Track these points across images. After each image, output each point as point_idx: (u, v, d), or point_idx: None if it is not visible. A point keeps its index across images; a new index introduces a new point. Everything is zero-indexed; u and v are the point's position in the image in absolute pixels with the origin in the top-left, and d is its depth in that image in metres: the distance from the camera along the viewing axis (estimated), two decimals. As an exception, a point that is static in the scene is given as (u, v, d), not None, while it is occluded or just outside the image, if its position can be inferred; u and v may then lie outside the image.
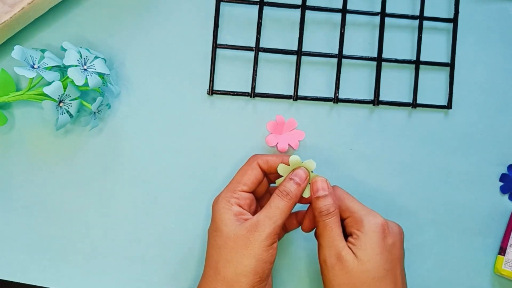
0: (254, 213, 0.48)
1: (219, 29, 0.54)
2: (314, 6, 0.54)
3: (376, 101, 0.55)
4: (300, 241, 0.55)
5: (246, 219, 0.46)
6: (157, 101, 0.53)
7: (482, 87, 0.57)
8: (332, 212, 0.46)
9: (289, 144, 0.54)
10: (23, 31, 0.51)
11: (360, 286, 0.44)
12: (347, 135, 0.55)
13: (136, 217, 0.53)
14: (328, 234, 0.46)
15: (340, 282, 0.45)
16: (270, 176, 0.50)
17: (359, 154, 0.55)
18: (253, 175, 0.48)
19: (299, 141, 0.54)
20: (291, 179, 0.47)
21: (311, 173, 0.48)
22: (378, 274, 0.45)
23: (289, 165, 0.48)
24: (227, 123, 0.54)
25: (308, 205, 0.50)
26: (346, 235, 0.47)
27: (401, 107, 0.56)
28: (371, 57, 0.55)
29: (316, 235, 0.49)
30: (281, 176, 0.49)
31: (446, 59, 0.57)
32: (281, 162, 0.48)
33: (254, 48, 0.54)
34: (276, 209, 0.46)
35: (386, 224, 0.46)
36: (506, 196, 0.57)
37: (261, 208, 0.49)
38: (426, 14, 0.56)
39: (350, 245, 0.46)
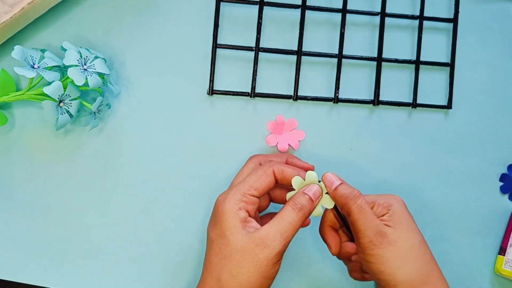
0: (256, 218, 0.47)
1: (219, 29, 0.54)
2: (314, 6, 0.54)
3: (376, 101, 0.55)
4: (300, 241, 0.55)
5: (251, 227, 0.45)
6: (157, 101, 0.53)
7: (482, 87, 0.57)
8: (358, 193, 0.46)
9: (289, 144, 0.54)
10: (23, 31, 0.51)
11: (411, 250, 0.46)
12: (347, 135, 0.55)
13: (136, 217, 0.53)
14: (365, 215, 0.45)
15: (392, 254, 0.45)
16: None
17: (359, 154, 0.55)
18: (266, 182, 0.46)
19: (299, 141, 0.54)
20: (305, 193, 0.46)
21: (324, 194, 0.47)
22: (419, 238, 0.47)
23: (304, 180, 0.47)
24: (227, 123, 0.54)
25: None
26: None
27: (401, 107, 0.56)
28: (371, 57, 0.55)
29: (348, 222, 0.48)
30: (293, 190, 0.47)
31: (446, 59, 0.57)
32: (297, 175, 0.47)
33: (254, 48, 0.54)
34: (288, 223, 0.45)
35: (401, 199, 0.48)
36: (506, 196, 0.57)
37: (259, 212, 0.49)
38: (426, 14, 0.56)
39: (386, 223, 0.46)
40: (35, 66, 0.47)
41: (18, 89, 0.50)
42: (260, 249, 0.43)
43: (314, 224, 0.53)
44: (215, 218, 0.46)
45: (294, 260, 0.55)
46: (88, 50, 0.49)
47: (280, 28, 0.55)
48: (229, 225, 0.44)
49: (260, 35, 0.54)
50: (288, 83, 0.55)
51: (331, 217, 0.49)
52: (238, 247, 0.44)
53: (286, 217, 0.45)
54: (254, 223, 0.45)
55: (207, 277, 0.45)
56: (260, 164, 0.50)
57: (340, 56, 0.55)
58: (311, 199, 0.46)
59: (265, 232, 0.44)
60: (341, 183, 0.47)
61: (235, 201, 0.45)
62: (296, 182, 0.47)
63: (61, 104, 0.47)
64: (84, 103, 0.49)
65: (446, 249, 0.56)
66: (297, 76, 0.54)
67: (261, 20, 0.54)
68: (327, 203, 0.47)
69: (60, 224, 0.52)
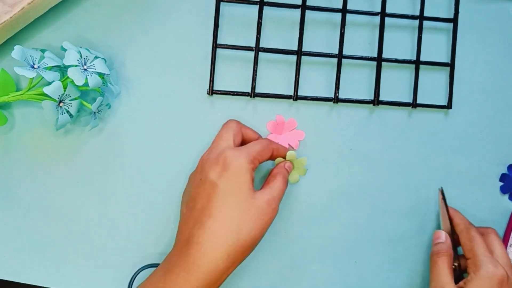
0: None
1: (219, 29, 0.54)
2: (314, 6, 0.54)
3: (376, 101, 0.55)
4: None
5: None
6: (157, 101, 0.53)
7: (482, 87, 0.57)
8: (442, 253, 0.51)
9: (289, 144, 0.54)
10: (23, 31, 0.51)
11: None
12: (347, 135, 0.55)
13: (136, 217, 0.53)
14: (436, 270, 0.50)
15: None
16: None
17: (359, 154, 0.55)
18: (267, 156, 0.50)
19: (299, 141, 0.54)
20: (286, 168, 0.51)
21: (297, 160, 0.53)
22: None
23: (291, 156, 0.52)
24: (227, 123, 0.54)
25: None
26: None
27: (401, 107, 0.56)
28: (371, 57, 0.55)
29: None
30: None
31: (446, 59, 0.57)
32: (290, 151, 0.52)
33: (254, 48, 0.54)
34: (281, 190, 0.49)
35: (506, 278, 0.47)
36: (506, 196, 0.57)
37: None
38: (426, 14, 0.56)
39: (462, 285, 0.48)
40: (35, 66, 0.47)
41: (18, 89, 0.50)
42: (270, 209, 0.46)
43: (319, 224, 0.54)
44: (226, 172, 0.46)
45: (293, 260, 0.55)
46: (88, 50, 0.49)
47: (280, 28, 0.55)
48: (247, 179, 0.46)
49: (260, 35, 0.54)
50: (288, 83, 0.55)
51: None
52: (257, 203, 0.46)
53: (281, 185, 0.49)
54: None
55: (220, 231, 0.44)
56: (242, 132, 0.52)
57: (340, 56, 0.55)
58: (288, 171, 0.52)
59: (272, 195, 0.47)
60: (440, 243, 0.52)
61: (249, 160, 0.47)
62: (290, 156, 0.52)
63: (61, 104, 0.47)
64: (84, 103, 0.49)
65: (446, 249, 0.56)
66: (297, 76, 0.54)
67: (261, 20, 0.54)
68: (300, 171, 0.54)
69: (60, 224, 0.52)
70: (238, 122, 0.52)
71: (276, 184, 0.48)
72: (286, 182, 0.50)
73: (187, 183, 0.51)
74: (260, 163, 0.49)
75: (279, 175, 0.50)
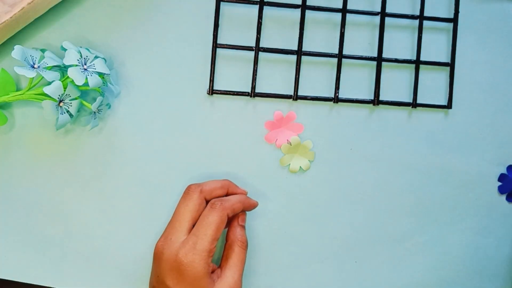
0: None
1: (219, 29, 0.54)
2: (314, 6, 0.54)
3: (376, 101, 0.55)
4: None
5: (214, 274, 0.47)
6: (157, 101, 0.53)
7: (482, 87, 0.57)
8: None
9: (287, 140, 0.54)
10: (23, 31, 0.51)
11: None
12: (347, 135, 0.55)
13: (136, 217, 0.53)
14: None
15: None
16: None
17: (359, 154, 0.55)
18: (223, 227, 0.48)
19: (298, 134, 0.54)
20: (242, 226, 0.50)
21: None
22: None
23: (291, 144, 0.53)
24: (227, 123, 0.54)
25: None
26: None
27: (401, 107, 0.56)
28: (371, 57, 0.55)
29: None
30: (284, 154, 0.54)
31: (446, 59, 0.57)
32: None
33: (254, 48, 0.54)
34: (241, 262, 0.48)
35: None
36: (504, 196, 0.57)
37: None
38: (426, 14, 0.56)
39: None
40: (35, 66, 0.47)
41: (18, 89, 0.50)
42: None
43: (319, 223, 0.54)
44: (182, 281, 0.46)
45: (294, 260, 0.55)
46: (88, 49, 0.49)
47: (280, 28, 0.55)
48: (204, 284, 0.46)
49: (260, 35, 0.54)
50: (288, 83, 0.55)
51: None
52: None
53: (240, 257, 0.48)
54: (214, 268, 0.48)
55: None
56: (206, 199, 0.50)
57: (340, 56, 0.55)
58: (244, 226, 0.51)
59: (233, 278, 0.47)
60: None
61: (205, 261, 0.46)
62: (294, 141, 0.54)
63: (61, 104, 0.47)
64: (84, 103, 0.49)
65: (446, 249, 0.56)
66: (297, 76, 0.54)
67: (261, 20, 0.54)
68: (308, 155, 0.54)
69: (60, 224, 0.52)
70: (200, 191, 0.49)
71: (234, 259, 0.48)
72: (246, 246, 0.49)
73: (153, 258, 0.49)
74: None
75: (235, 245, 0.49)
